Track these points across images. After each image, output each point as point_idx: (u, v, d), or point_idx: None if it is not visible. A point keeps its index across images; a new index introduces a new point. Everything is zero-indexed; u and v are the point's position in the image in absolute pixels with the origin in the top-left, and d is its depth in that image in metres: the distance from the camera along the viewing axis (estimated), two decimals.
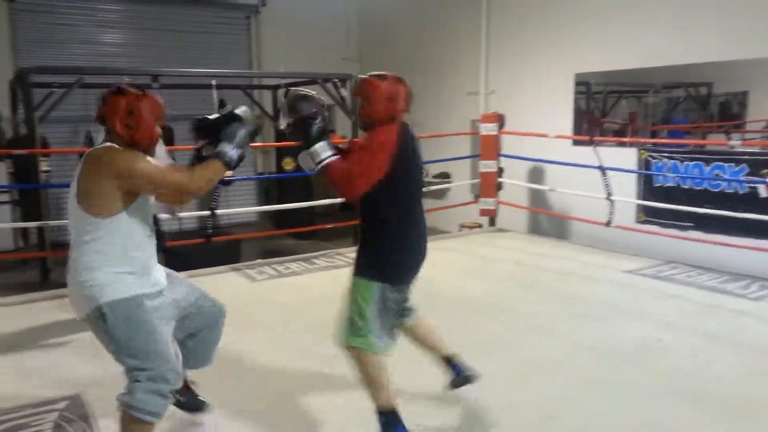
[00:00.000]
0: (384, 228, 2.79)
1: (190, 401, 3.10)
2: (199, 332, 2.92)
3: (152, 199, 2.75)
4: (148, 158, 2.57)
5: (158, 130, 2.66)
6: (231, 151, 2.66)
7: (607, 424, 3.12)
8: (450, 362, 3.21)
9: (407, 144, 2.78)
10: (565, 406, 3.28)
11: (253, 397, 3.42)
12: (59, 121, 8.19)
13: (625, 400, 3.35)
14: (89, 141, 7.94)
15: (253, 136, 2.76)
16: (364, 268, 2.80)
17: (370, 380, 2.79)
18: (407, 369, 3.29)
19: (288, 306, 5.11)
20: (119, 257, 2.52)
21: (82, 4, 9.41)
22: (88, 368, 3.74)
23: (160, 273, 2.74)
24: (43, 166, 6.69)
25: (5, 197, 8.29)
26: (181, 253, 7.06)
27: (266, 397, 3.42)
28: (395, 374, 2.90)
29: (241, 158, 2.70)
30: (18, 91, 6.85)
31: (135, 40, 9.78)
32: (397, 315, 2.92)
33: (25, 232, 8.24)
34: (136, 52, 9.59)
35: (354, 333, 2.78)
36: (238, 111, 2.76)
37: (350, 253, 6.85)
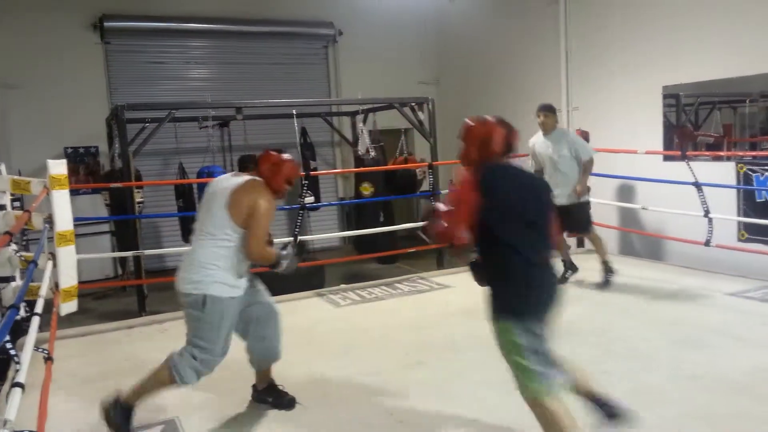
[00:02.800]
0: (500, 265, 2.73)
1: (278, 400, 3.61)
2: (257, 326, 3.44)
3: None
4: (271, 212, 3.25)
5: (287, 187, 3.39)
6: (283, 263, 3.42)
7: None
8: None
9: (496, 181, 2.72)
10: None
11: (343, 422, 3.37)
12: (151, 154, 8.58)
13: None
14: (182, 172, 8.26)
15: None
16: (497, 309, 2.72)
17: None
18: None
19: (373, 331, 5.07)
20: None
21: (171, 43, 9.89)
22: (184, 393, 3.80)
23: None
24: (137, 197, 6.99)
25: (105, 228, 8.73)
26: (265, 278, 7.20)
27: (356, 424, 3.37)
28: None
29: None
30: (113, 127, 7.22)
31: (219, 74, 10.18)
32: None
33: (121, 260, 8.62)
34: (221, 85, 9.95)
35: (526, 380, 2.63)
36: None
37: (433, 277, 6.77)
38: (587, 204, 6.01)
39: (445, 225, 2.65)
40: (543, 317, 2.68)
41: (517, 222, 2.68)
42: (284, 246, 3.68)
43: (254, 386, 3.68)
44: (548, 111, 5.89)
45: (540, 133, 5.96)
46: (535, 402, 2.60)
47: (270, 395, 3.62)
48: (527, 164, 6.02)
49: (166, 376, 3.21)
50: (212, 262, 3.20)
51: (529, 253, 2.66)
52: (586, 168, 5.85)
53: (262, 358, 3.54)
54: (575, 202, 5.79)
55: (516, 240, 2.66)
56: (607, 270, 5.91)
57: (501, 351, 2.69)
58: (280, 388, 3.66)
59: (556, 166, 5.81)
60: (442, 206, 2.76)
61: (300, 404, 3.61)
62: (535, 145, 5.96)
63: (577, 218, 5.85)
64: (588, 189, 6.01)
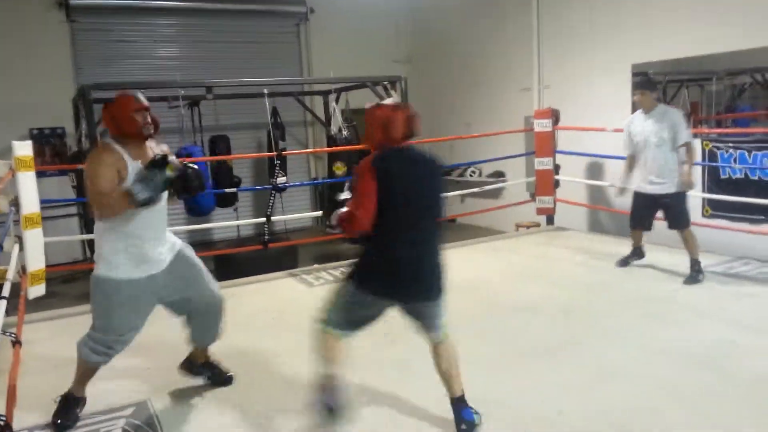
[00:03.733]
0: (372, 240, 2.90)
1: (216, 378, 3.61)
2: (195, 314, 3.38)
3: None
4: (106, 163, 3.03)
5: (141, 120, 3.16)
6: (140, 192, 2.91)
7: None
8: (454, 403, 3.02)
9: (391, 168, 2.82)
10: (638, 416, 3.11)
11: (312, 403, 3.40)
12: None
13: (703, 408, 3.17)
14: None
15: (168, 185, 3.02)
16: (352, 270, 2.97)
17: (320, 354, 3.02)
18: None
19: None
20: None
21: (138, 21, 9.69)
22: (154, 376, 3.81)
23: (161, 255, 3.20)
24: None
25: (72, 210, 8.60)
26: (239, 259, 7.18)
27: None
28: None
29: (147, 202, 2.95)
30: (80, 108, 7.07)
31: (189, 53, 10.02)
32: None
33: (89, 243, 8.51)
34: (191, 64, 9.80)
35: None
36: (169, 159, 3.02)
37: None
38: (685, 195, 5.30)
39: (349, 212, 2.83)
40: (394, 297, 2.92)
41: (399, 204, 2.80)
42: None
43: (189, 359, 3.62)
44: (644, 88, 5.18)
45: (639, 112, 5.29)
46: (318, 331, 3.01)
47: (208, 370, 3.62)
48: (624, 144, 5.42)
49: (78, 358, 3.25)
50: (99, 246, 3.18)
51: (398, 235, 2.83)
52: (691, 152, 5.15)
53: (202, 341, 3.54)
54: (675, 191, 5.17)
55: (392, 221, 2.80)
56: (697, 270, 5.27)
57: (333, 291, 3.02)
58: (216, 363, 3.65)
59: (655, 150, 5.12)
60: (342, 194, 2.98)
61: (235, 382, 3.65)
62: (631, 125, 5.28)
63: (677, 211, 5.24)
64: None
